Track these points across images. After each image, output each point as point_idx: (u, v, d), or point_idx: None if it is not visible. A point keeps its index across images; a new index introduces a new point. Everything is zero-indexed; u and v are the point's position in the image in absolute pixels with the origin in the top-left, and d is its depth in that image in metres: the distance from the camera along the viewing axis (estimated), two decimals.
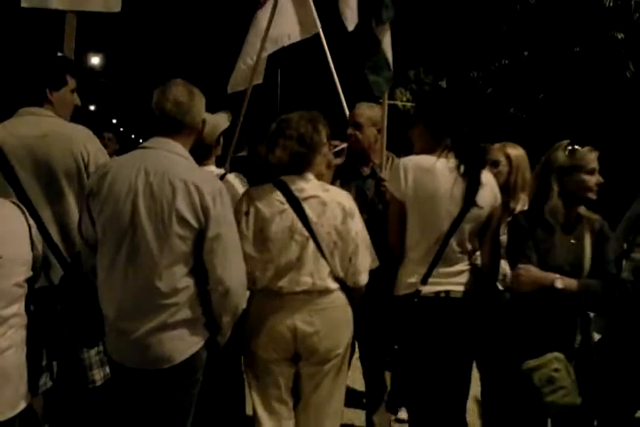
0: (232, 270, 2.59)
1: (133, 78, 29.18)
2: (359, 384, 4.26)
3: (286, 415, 2.94)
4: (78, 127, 2.99)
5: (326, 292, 2.85)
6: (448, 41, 14.98)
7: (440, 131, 3.01)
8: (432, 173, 2.92)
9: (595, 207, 2.99)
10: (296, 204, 2.81)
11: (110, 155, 3.59)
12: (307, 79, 22.31)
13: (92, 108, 34.03)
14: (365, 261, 2.92)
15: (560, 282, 2.77)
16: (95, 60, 28.87)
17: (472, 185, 2.94)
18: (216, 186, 2.59)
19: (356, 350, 3.70)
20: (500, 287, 3.24)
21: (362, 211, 3.07)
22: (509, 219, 3.26)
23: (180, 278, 2.53)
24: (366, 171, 3.79)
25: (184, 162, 2.61)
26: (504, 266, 3.18)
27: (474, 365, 3.20)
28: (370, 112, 3.87)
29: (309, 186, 2.85)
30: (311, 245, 2.81)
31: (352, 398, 4.13)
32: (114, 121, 36.58)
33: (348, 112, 4.24)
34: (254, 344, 2.88)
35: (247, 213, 2.82)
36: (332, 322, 2.87)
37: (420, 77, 17.14)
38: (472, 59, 14.53)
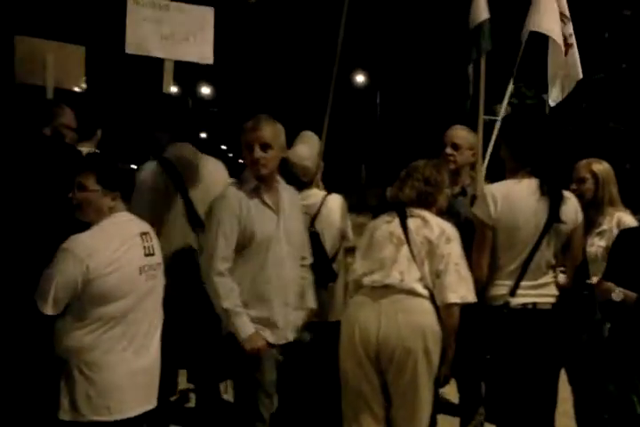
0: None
1: (242, 107, 30.52)
2: (452, 396, 4.36)
3: (373, 423, 3.09)
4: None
5: (413, 294, 3.01)
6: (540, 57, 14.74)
7: (520, 152, 3.19)
8: (517, 195, 3.14)
9: None
10: (403, 217, 3.16)
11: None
12: (405, 101, 22.39)
13: (203, 135, 35.73)
14: (453, 281, 3.03)
15: (616, 294, 2.81)
16: (206, 91, 30.36)
17: (554, 202, 3.12)
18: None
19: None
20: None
21: (455, 225, 3.29)
22: (597, 231, 3.49)
23: None
24: (455, 189, 3.89)
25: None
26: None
27: (565, 379, 3.28)
28: (468, 135, 3.99)
29: (420, 212, 3.17)
30: (405, 248, 3.07)
31: (446, 410, 4.19)
32: (223, 147, 38.19)
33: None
34: (343, 342, 3.08)
35: (366, 229, 3.29)
36: (414, 325, 2.97)
37: (522, 91, 16.59)
38: None
